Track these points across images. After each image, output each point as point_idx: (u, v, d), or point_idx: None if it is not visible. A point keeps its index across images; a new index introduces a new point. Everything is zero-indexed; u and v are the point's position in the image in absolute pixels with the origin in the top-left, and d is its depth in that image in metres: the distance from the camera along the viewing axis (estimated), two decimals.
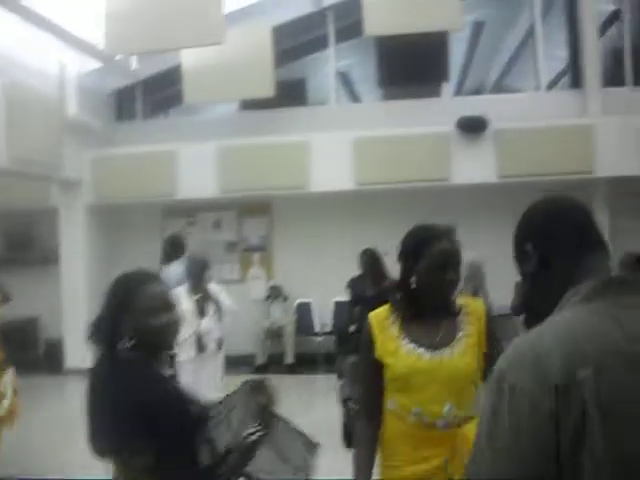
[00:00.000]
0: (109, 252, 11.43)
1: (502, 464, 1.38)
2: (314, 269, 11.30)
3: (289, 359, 11.29)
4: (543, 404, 1.33)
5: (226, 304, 6.71)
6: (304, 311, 11.73)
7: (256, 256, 12.06)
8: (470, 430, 2.53)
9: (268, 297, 11.48)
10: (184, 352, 6.34)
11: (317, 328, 11.44)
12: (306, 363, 10.95)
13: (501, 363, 1.44)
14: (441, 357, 2.58)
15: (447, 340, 2.63)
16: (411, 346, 2.60)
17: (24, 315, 11.62)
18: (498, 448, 1.38)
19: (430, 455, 2.54)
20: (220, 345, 6.63)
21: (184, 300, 6.40)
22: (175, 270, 7.14)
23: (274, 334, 11.31)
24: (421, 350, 2.59)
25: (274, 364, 11.27)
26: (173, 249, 7.80)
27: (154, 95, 12.96)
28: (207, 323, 6.44)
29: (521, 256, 1.69)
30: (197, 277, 6.49)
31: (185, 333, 6.34)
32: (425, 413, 2.54)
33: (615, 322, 1.41)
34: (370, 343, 2.66)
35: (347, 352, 7.13)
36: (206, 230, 12.19)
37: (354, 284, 7.73)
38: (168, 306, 2.46)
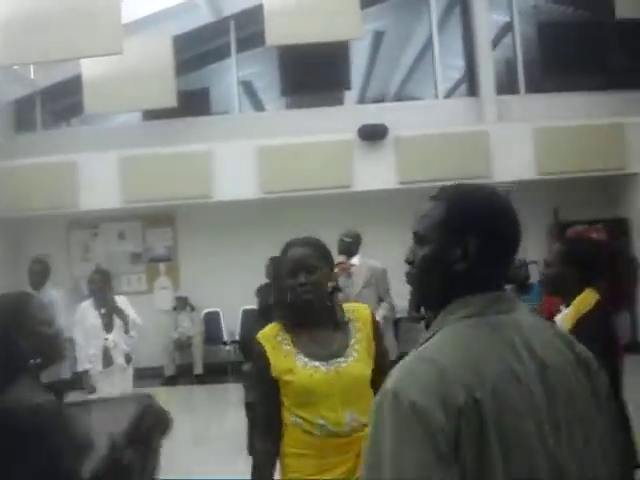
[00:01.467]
0: (13, 266, 11.12)
1: None
2: (221, 278, 11.26)
3: (198, 369, 11.24)
4: (448, 430, 1.30)
5: (131, 317, 6.62)
6: (212, 321, 11.70)
7: (162, 266, 11.96)
8: None
9: (175, 308, 11.40)
10: (91, 365, 6.31)
11: (225, 337, 11.43)
12: (215, 373, 10.91)
13: (397, 382, 1.39)
14: (337, 367, 2.62)
15: (340, 350, 2.67)
16: (306, 360, 2.63)
17: None
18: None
19: (337, 462, 2.58)
20: (128, 359, 6.56)
21: (90, 315, 6.35)
22: (49, 294, 6.96)
23: (182, 345, 11.25)
24: (316, 363, 2.62)
25: (183, 375, 11.22)
26: (41, 273, 7.51)
27: (54, 105, 12.72)
28: (114, 337, 6.38)
29: (451, 244, 1.55)
30: (101, 291, 6.44)
31: (92, 348, 6.30)
32: (330, 424, 2.57)
33: (506, 341, 1.43)
34: (264, 363, 2.67)
35: (250, 358, 7.19)
36: (110, 241, 12.01)
37: (261, 292, 7.78)
38: (53, 319, 2.45)
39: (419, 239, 1.62)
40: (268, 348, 2.67)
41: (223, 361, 11.19)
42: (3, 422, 2.11)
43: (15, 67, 10.79)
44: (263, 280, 7.74)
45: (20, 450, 2.06)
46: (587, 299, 3.32)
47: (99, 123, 12.59)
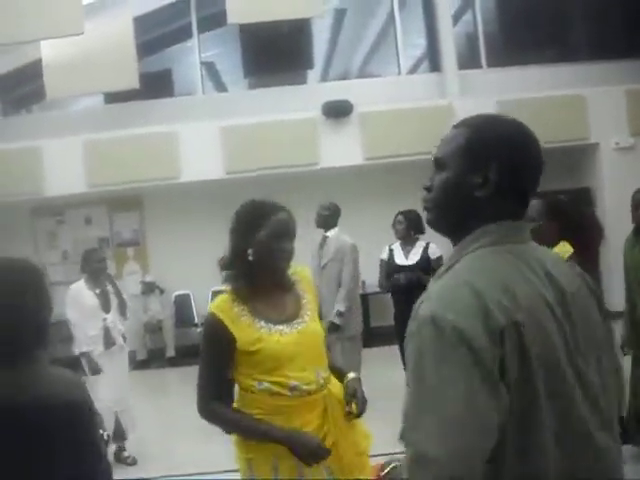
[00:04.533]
0: None
1: (453, 436, 1.32)
2: (190, 260, 11.20)
3: (170, 352, 11.25)
4: (492, 350, 1.32)
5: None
6: (182, 303, 11.67)
7: (130, 251, 11.89)
8: (335, 385, 2.71)
9: (143, 292, 11.35)
10: (92, 347, 6.17)
11: (197, 319, 11.40)
12: (188, 355, 10.85)
13: (433, 307, 1.39)
14: (298, 329, 2.65)
15: (296, 311, 2.71)
16: (270, 325, 2.62)
17: None
18: (447, 416, 1.32)
19: (306, 421, 2.60)
20: (125, 339, 6.54)
21: (86, 295, 6.25)
22: None
23: (153, 328, 11.23)
24: (279, 327, 2.63)
25: (155, 358, 11.20)
26: None
27: (15, 91, 12.53)
28: (112, 317, 6.34)
29: (471, 171, 1.55)
30: (94, 271, 6.35)
31: (92, 328, 6.19)
32: (303, 383, 2.58)
33: (529, 267, 1.46)
34: (226, 337, 2.58)
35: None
36: (77, 227, 11.89)
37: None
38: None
39: (440, 165, 1.63)
40: (227, 320, 2.60)
41: (195, 343, 11.15)
42: (50, 393, 2.04)
43: None
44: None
45: (68, 421, 2.03)
46: (564, 250, 3.65)
47: (60, 108, 12.41)
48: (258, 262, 2.64)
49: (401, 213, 6.71)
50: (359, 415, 2.69)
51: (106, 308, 6.30)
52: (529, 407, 1.36)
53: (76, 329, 6.19)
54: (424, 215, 1.67)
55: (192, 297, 11.70)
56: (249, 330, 2.59)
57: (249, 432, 2.65)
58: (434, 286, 1.47)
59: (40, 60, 10.72)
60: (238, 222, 2.72)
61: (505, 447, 1.36)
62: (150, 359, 11.16)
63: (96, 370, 6.07)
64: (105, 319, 6.25)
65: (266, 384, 2.58)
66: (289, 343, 2.60)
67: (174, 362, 11.13)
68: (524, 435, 1.36)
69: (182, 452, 6.62)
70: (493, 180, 1.52)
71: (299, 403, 2.59)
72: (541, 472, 1.37)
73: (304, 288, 2.79)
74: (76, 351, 6.19)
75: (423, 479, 1.34)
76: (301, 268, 2.89)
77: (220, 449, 6.79)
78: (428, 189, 1.64)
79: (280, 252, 2.65)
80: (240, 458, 2.70)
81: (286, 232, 2.67)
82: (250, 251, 2.62)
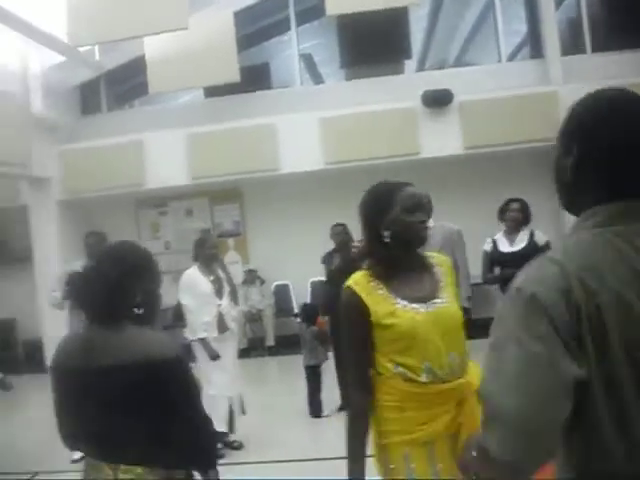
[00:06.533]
0: (82, 247, 11.35)
1: (519, 392, 1.35)
2: (289, 250, 11.35)
3: (269, 341, 11.38)
4: (571, 325, 1.33)
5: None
6: (282, 293, 11.83)
7: (231, 241, 12.10)
8: (473, 376, 2.59)
9: (245, 281, 11.51)
10: (207, 332, 6.28)
11: (296, 309, 11.49)
12: (287, 344, 10.99)
13: (521, 279, 1.42)
14: (435, 308, 2.58)
15: (434, 291, 2.64)
16: (405, 302, 2.57)
17: (0, 317, 11.57)
18: (522, 372, 1.35)
19: (440, 412, 2.55)
20: (236, 324, 6.70)
21: (200, 281, 6.37)
22: None
23: (253, 317, 11.38)
24: (415, 305, 2.57)
25: (255, 347, 11.36)
26: (97, 245, 7.25)
27: (119, 87, 12.91)
28: (225, 303, 6.45)
29: (564, 151, 1.54)
30: (207, 258, 6.48)
31: (207, 314, 6.31)
32: (435, 366, 2.53)
33: (635, 249, 1.40)
34: (361, 310, 2.57)
35: (308, 323, 7.29)
36: (179, 219, 12.22)
37: (326, 259, 7.87)
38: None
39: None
40: (363, 293, 2.58)
41: (294, 333, 11.28)
42: (151, 351, 2.27)
43: (81, 50, 10.93)
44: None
45: (178, 376, 2.30)
46: None
47: (162, 103, 12.72)
48: (394, 241, 2.61)
49: (514, 200, 6.60)
50: None
51: (220, 294, 6.41)
52: (609, 386, 1.34)
53: (191, 315, 6.31)
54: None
55: (291, 287, 11.82)
56: (384, 303, 2.56)
57: (349, 446, 2.62)
58: (529, 263, 1.47)
59: (143, 56, 11.01)
60: (366, 207, 2.71)
61: (591, 415, 1.36)
62: (250, 348, 11.30)
63: (215, 356, 6.17)
64: (219, 305, 6.36)
65: (400, 368, 2.55)
66: (424, 323, 2.53)
67: (274, 351, 11.28)
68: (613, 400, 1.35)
69: (286, 438, 6.72)
70: (578, 159, 1.49)
71: (432, 391, 2.54)
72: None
73: (443, 272, 2.73)
74: (190, 337, 6.29)
75: (496, 432, 1.39)
76: (441, 255, 2.85)
77: (323, 436, 6.97)
78: None
79: (415, 224, 2.61)
80: (375, 444, 2.68)
81: (418, 204, 2.63)
82: (385, 233, 2.61)
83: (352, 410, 2.69)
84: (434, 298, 2.62)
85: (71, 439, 2.43)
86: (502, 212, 6.64)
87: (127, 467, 2.26)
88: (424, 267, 2.71)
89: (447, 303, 2.63)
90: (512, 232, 6.53)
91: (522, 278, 1.42)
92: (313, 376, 7.35)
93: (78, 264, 7.05)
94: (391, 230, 2.60)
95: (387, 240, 2.61)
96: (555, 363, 1.32)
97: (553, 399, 1.33)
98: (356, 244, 6.74)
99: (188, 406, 2.33)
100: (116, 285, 2.32)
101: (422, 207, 2.65)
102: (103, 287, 2.31)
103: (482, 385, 1.44)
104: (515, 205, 6.55)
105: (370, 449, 2.66)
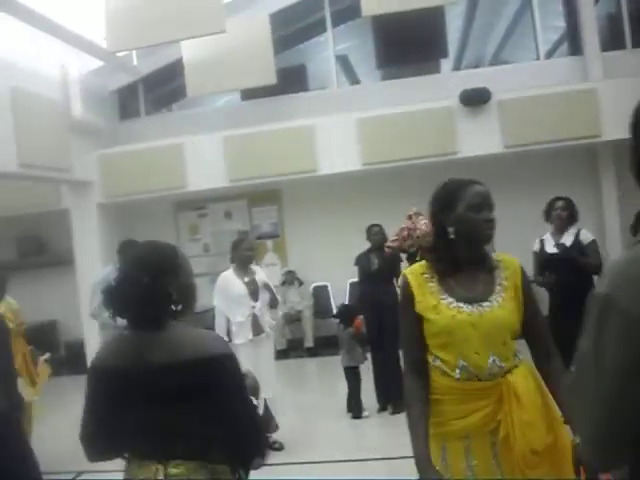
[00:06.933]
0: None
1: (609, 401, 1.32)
2: (328, 252, 11.39)
3: (308, 342, 11.41)
4: None
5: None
6: (321, 294, 11.85)
7: (269, 243, 12.17)
8: (517, 376, 2.59)
9: (284, 283, 11.56)
10: (242, 335, 6.33)
11: (334, 311, 11.49)
12: (326, 345, 11.00)
13: (610, 286, 1.35)
14: (481, 310, 2.58)
15: (486, 293, 2.63)
16: (451, 300, 2.60)
17: (42, 319, 11.72)
18: (606, 385, 1.32)
19: (477, 407, 2.56)
20: (272, 327, 6.71)
21: (235, 283, 6.41)
22: None
23: (292, 319, 11.42)
24: (461, 304, 2.59)
25: (294, 348, 11.39)
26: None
27: (156, 91, 13.04)
28: (260, 305, 6.47)
29: (635, 143, 1.52)
30: (243, 260, 6.51)
31: (240, 315, 6.35)
32: (472, 366, 2.55)
33: None
34: (409, 298, 2.65)
35: (346, 324, 7.30)
36: (218, 221, 12.31)
37: (360, 260, 7.87)
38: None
39: None
40: (414, 283, 2.66)
41: (333, 334, 11.28)
42: (198, 348, 2.32)
43: (119, 55, 11.05)
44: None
45: (216, 370, 2.31)
46: None
47: (199, 106, 12.80)
48: (459, 238, 2.63)
49: (559, 199, 6.53)
50: None
51: (254, 296, 6.43)
52: None
53: (220, 317, 6.38)
54: None
55: (330, 288, 11.82)
56: (430, 297, 2.62)
57: (410, 427, 2.62)
58: (614, 260, 1.43)
59: (180, 60, 11.11)
60: (434, 203, 2.74)
61: None
62: (289, 349, 11.34)
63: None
64: (253, 307, 6.39)
65: (438, 362, 2.60)
66: (465, 322, 2.55)
67: (313, 352, 11.30)
68: None
69: (327, 439, 6.73)
70: None
71: (467, 387, 2.56)
72: None
73: (506, 275, 2.70)
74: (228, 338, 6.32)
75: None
76: (510, 257, 2.82)
77: (363, 437, 6.97)
78: None
79: (479, 223, 2.61)
80: None
81: (483, 202, 2.63)
82: (450, 229, 2.63)
83: (404, 393, 2.73)
84: (484, 300, 2.61)
85: (103, 442, 2.45)
86: (548, 211, 6.57)
87: (177, 462, 2.30)
88: (485, 267, 2.71)
89: (495, 307, 2.61)
90: (559, 231, 6.46)
91: (610, 284, 1.36)
92: (352, 377, 7.37)
93: (107, 270, 7.21)
94: (456, 227, 2.63)
95: (452, 237, 2.64)
96: (622, 387, 1.30)
97: (620, 422, 1.31)
98: (389, 244, 6.74)
99: (240, 400, 2.36)
100: (153, 288, 2.35)
101: (488, 205, 2.65)
102: (142, 293, 2.34)
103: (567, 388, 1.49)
104: (560, 204, 6.48)
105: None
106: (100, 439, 2.44)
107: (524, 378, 2.63)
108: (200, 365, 2.25)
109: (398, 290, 5.93)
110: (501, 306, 2.62)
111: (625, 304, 1.28)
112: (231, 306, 6.35)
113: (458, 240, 2.64)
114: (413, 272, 2.72)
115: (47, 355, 6.39)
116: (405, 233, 6.38)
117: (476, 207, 2.61)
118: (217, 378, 2.29)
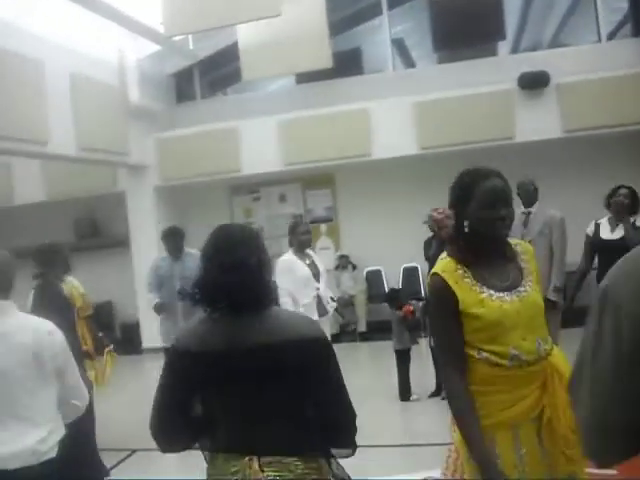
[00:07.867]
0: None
1: (602, 399, 1.33)
2: (381, 236, 11.34)
3: (362, 327, 11.42)
4: None
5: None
6: (374, 279, 11.81)
7: (323, 227, 12.18)
8: (556, 357, 2.63)
9: (337, 267, 11.57)
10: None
11: None
12: (379, 330, 10.93)
13: (611, 279, 1.36)
14: (520, 297, 2.58)
15: (518, 280, 2.63)
16: (491, 292, 2.57)
17: (98, 300, 11.91)
18: (599, 378, 1.33)
19: (525, 394, 2.55)
20: (333, 308, 6.83)
21: (299, 265, 6.49)
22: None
23: (345, 303, 11.40)
24: (501, 294, 2.57)
25: (347, 333, 11.41)
26: (181, 240, 7.37)
27: (212, 75, 13.11)
28: (323, 286, 6.58)
29: None
30: (300, 243, 6.60)
31: (306, 296, 6.41)
32: (524, 353, 2.52)
33: None
34: (450, 298, 2.56)
35: (393, 307, 7.38)
36: (272, 204, 12.36)
37: (424, 246, 7.84)
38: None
39: None
40: (451, 282, 2.57)
41: (386, 318, 11.26)
42: (294, 330, 2.30)
43: (175, 39, 11.13)
44: (424, 237, 7.79)
45: (314, 352, 2.28)
46: None
47: (254, 90, 12.84)
48: (474, 233, 2.60)
49: (623, 187, 6.41)
50: None
51: (317, 277, 6.52)
52: None
53: (286, 298, 6.33)
54: None
55: (383, 273, 11.79)
56: (471, 292, 2.55)
57: (463, 429, 2.55)
58: (627, 255, 1.41)
59: (236, 43, 11.14)
60: (451, 195, 2.70)
61: None
62: (342, 333, 11.35)
63: None
64: (317, 288, 6.46)
65: (485, 354, 2.54)
66: (511, 311, 2.53)
67: (365, 337, 11.31)
68: None
69: (377, 423, 6.72)
70: None
71: (517, 374, 2.53)
72: None
73: (526, 259, 2.71)
74: None
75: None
76: (523, 242, 2.84)
77: (413, 421, 6.96)
78: None
79: (493, 221, 2.56)
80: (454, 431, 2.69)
81: (497, 199, 2.57)
82: (465, 223, 2.60)
83: (448, 393, 2.70)
84: (518, 286, 2.62)
85: (180, 431, 2.38)
86: (609, 198, 6.44)
87: (269, 456, 2.24)
88: (508, 255, 2.69)
89: (530, 291, 2.63)
90: (617, 218, 6.34)
91: (612, 278, 1.36)
92: (402, 360, 7.38)
93: (160, 258, 7.35)
94: (470, 223, 2.60)
95: (467, 230, 2.62)
96: (617, 375, 1.30)
97: (618, 410, 1.31)
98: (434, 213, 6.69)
99: (339, 386, 2.35)
100: (261, 271, 2.33)
101: (503, 201, 2.59)
102: (250, 277, 2.28)
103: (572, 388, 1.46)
104: (623, 191, 6.36)
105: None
106: (176, 428, 2.37)
107: (562, 358, 2.65)
108: (303, 348, 2.22)
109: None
110: (534, 289, 2.65)
111: (619, 299, 1.29)
112: (298, 288, 6.39)
113: (472, 234, 2.61)
114: (446, 270, 2.62)
115: (112, 346, 6.46)
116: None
117: (489, 204, 2.56)
118: (318, 362, 2.27)
